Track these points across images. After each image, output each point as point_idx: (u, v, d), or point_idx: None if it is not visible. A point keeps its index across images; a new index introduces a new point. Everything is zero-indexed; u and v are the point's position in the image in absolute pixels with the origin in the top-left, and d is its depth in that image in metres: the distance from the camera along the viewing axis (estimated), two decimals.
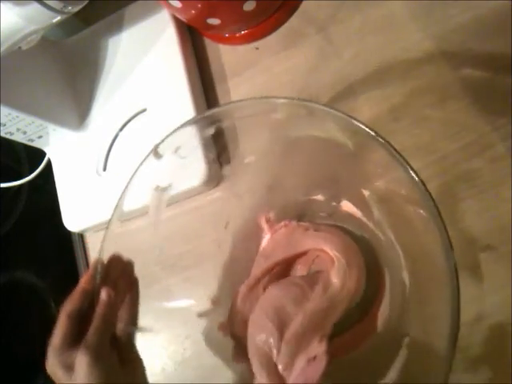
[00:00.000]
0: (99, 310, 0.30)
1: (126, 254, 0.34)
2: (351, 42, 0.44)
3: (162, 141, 0.35)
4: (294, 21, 0.47)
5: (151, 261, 0.40)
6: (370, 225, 0.37)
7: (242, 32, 0.47)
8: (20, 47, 0.38)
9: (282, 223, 0.41)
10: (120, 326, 0.32)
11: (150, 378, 0.32)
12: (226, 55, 0.50)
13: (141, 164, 0.35)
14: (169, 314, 0.40)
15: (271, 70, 0.47)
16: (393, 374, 0.32)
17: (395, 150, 0.28)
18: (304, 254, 0.40)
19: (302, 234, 0.40)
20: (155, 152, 0.35)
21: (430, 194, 0.27)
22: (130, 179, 0.35)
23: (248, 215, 0.42)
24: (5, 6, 0.32)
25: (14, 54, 0.38)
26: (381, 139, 0.28)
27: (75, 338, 0.29)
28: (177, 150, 0.37)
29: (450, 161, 0.38)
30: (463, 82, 0.39)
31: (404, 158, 0.28)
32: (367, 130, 0.29)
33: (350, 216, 0.39)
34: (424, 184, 0.27)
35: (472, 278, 0.36)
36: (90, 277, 0.32)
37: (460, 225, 0.37)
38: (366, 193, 0.36)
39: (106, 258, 0.33)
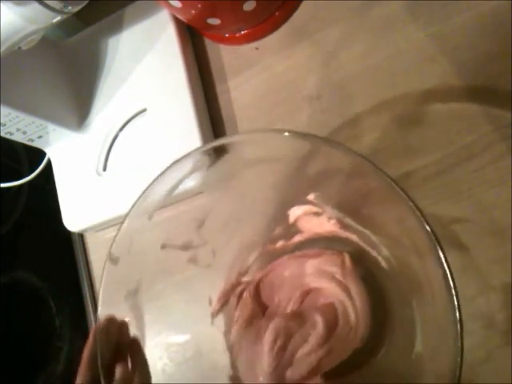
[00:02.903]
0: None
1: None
2: (351, 42, 0.44)
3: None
4: (293, 21, 0.47)
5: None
6: (341, 232, 0.35)
7: (242, 32, 0.47)
8: (20, 47, 0.38)
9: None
10: None
11: None
12: (226, 55, 0.49)
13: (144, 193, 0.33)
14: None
15: (271, 70, 0.47)
16: None
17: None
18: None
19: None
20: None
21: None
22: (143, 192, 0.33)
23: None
24: (5, 6, 0.32)
25: (14, 54, 0.38)
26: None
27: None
28: None
29: (450, 161, 0.38)
30: (463, 82, 0.39)
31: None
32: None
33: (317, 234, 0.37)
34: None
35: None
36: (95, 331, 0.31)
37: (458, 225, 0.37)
38: (311, 196, 0.35)
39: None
